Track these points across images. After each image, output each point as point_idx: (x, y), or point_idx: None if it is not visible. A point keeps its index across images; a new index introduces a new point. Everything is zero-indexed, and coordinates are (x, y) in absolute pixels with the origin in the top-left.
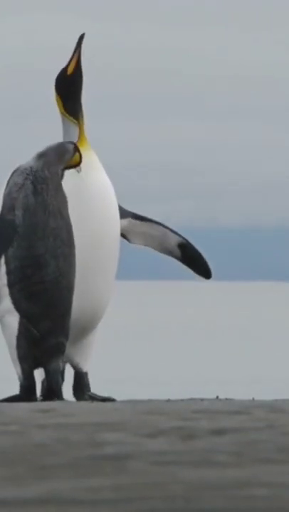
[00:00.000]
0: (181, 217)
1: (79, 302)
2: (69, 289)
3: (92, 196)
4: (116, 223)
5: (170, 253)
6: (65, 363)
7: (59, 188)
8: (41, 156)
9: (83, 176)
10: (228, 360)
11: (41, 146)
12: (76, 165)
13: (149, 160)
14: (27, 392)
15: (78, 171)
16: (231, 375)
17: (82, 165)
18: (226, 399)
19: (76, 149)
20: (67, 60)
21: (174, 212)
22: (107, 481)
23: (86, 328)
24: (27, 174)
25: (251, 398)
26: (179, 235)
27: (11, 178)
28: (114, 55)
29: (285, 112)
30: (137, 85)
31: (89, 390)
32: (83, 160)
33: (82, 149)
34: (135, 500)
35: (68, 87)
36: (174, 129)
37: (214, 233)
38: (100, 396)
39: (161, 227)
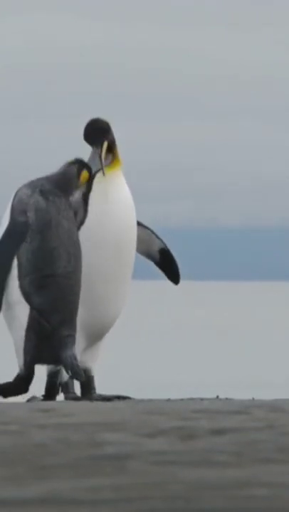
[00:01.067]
0: (181, 217)
1: (102, 308)
2: (78, 286)
3: (118, 214)
4: (134, 240)
5: (150, 256)
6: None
7: (68, 204)
8: (47, 191)
9: (114, 196)
10: (228, 360)
11: (41, 146)
12: (87, 181)
13: (149, 160)
14: (21, 382)
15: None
16: (231, 375)
17: (110, 186)
18: (226, 399)
19: (80, 169)
20: (68, 59)
21: (174, 213)
22: (107, 481)
23: (102, 333)
24: (35, 187)
25: (251, 398)
26: (162, 240)
27: (18, 191)
28: (114, 55)
29: (285, 111)
30: (137, 85)
31: (94, 392)
32: (112, 181)
33: (113, 170)
34: (135, 500)
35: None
36: (174, 129)
37: (214, 233)
38: (108, 395)
39: (148, 231)
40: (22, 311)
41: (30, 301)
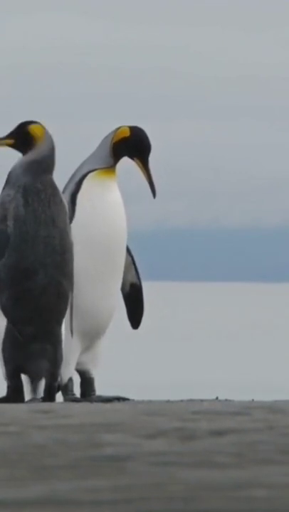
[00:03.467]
0: (182, 218)
1: (91, 310)
2: (59, 296)
3: (107, 214)
4: (124, 239)
5: (121, 285)
6: (70, 369)
7: (53, 198)
8: (29, 168)
9: (103, 196)
10: (227, 361)
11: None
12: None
13: (149, 160)
14: (14, 393)
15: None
16: (231, 376)
17: (100, 186)
18: (226, 400)
19: (29, 124)
20: (68, 59)
21: (174, 212)
22: (107, 481)
23: (96, 335)
24: (18, 187)
25: (251, 399)
26: (138, 275)
27: (4, 188)
28: (114, 55)
29: (286, 111)
30: (137, 85)
31: (94, 394)
32: (102, 181)
33: (109, 178)
34: (135, 501)
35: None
36: (174, 129)
37: (214, 233)
38: (107, 396)
39: (130, 258)
40: (1, 322)
41: (6, 314)
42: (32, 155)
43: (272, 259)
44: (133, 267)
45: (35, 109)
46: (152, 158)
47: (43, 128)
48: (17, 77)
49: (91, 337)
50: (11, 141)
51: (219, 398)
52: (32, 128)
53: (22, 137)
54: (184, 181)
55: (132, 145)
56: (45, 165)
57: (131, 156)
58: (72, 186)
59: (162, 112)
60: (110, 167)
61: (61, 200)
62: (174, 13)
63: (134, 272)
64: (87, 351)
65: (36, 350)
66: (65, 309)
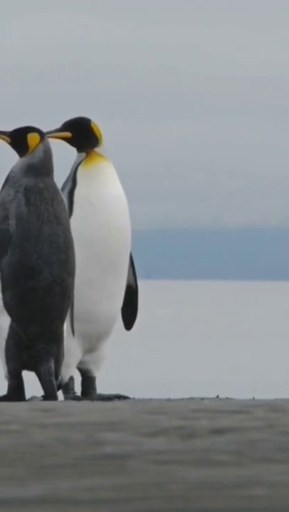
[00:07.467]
0: (182, 217)
1: (94, 313)
2: (63, 294)
3: (106, 211)
4: (127, 237)
5: None
6: (71, 368)
7: (55, 196)
8: (31, 169)
9: (102, 191)
10: (228, 360)
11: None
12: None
13: (150, 160)
14: (14, 392)
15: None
16: (231, 375)
17: (98, 181)
18: (226, 398)
19: (30, 131)
20: (68, 58)
21: (174, 212)
22: (107, 480)
23: (101, 338)
24: (19, 186)
25: (251, 397)
26: (135, 278)
27: (3, 189)
28: (115, 54)
29: (286, 111)
30: (137, 85)
31: (95, 392)
32: (101, 176)
33: (98, 161)
34: (135, 499)
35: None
36: (175, 128)
37: (214, 233)
38: (108, 395)
39: (129, 261)
40: (4, 320)
41: (10, 313)
42: (30, 158)
43: (272, 259)
44: (132, 268)
45: (35, 109)
46: (153, 158)
47: (40, 137)
48: (17, 77)
49: (92, 340)
50: (8, 139)
51: (220, 396)
52: (29, 137)
53: (19, 141)
54: (184, 181)
55: (72, 134)
56: (44, 167)
57: (83, 142)
58: (68, 185)
59: (162, 111)
60: (90, 154)
61: (62, 200)
62: (177, 13)
63: (131, 273)
64: (90, 352)
65: (41, 349)
66: (68, 307)
